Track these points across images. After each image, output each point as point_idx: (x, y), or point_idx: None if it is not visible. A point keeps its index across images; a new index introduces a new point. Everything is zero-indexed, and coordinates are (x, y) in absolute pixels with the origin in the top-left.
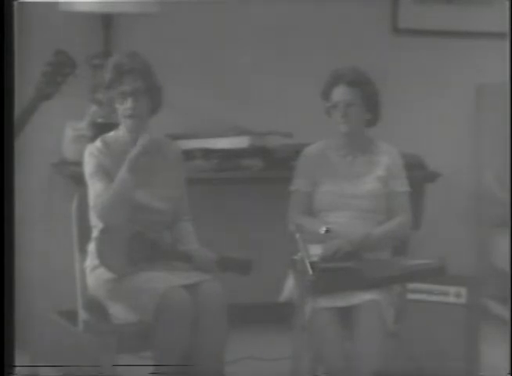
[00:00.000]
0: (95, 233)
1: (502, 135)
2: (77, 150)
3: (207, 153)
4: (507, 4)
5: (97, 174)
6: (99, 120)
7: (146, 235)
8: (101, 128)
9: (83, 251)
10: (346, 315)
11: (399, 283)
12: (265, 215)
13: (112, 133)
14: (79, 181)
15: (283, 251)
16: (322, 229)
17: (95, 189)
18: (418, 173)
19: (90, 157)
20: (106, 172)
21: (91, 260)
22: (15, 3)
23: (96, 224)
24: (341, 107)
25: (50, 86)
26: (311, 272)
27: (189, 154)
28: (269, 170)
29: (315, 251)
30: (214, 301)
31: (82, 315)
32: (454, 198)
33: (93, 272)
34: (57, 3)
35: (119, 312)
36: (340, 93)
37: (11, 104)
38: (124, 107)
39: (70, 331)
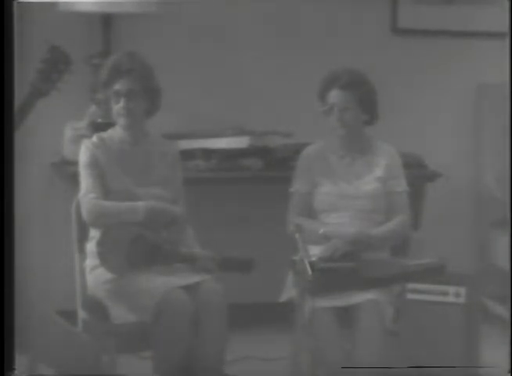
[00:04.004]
0: (92, 233)
1: (502, 135)
2: (77, 150)
3: (207, 153)
4: (507, 4)
5: (90, 166)
6: (99, 120)
7: (147, 237)
8: (100, 128)
9: (82, 251)
10: (346, 315)
11: (399, 283)
12: (264, 215)
13: (109, 131)
14: (79, 181)
15: (282, 251)
16: (320, 231)
17: (86, 183)
18: (418, 173)
19: (85, 149)
20: (99, 166)
21: (90, 260)
22: (15, 3)
23: None
24: (336, 111)
25: (46, 83)
26: (310, 272)
27: (189, 154)
28: (269, 170)
29: (315, 251)
30: (214, 302)
31: (82, 315)
32: (454, 198)
33: (92, 272)
34: (57, 3)
35: (119, 312)
36: (334, 97)
37: (11, 104)
38: (118, 107)
39: (69, 331)
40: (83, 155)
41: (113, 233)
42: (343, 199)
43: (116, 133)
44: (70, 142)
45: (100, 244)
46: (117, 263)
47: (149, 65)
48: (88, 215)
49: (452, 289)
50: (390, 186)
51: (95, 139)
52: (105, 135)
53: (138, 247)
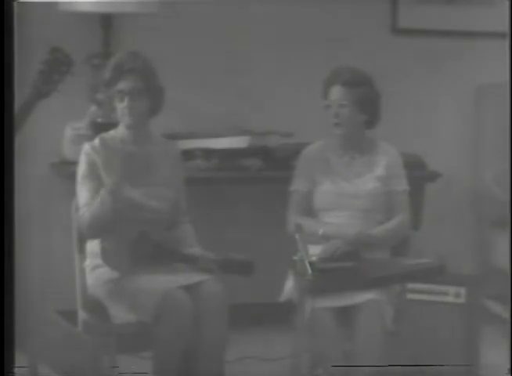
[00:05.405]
0: None
1: (502, 135)
2: (77, 150)
3: (207, 153)
4: (507, 4)
5: (87, 178)
6: (99, 119)
7: (149, 236)
8: (101, 128)
9: (83, 251)
10: (346, 315)
11: (399, 283)
12: (265, 215)
13: (112, 131)
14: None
15: (283, 251)
16: (320, 232)
17: (82, 196)
18: (418, 173)
19: (84, 156)
20: (96, 176)
21: (90, 260)
22: (15, 3)
23: None
24: (334, 107)
25: (47, 84)
26: (310, 272)
27: (189, 154)
28: (269, 170)
29: (315, 251)
30: (215, 301)
31: (82, 315)
32: (454, 198)
33: (93, 272)
34: (57, 3)
35: (119, 312)
36: (334, 93)
37: (11, 104)
38: (121, 106)
39: (69, 331)
40: (81, 164)
41: (115, 232)
42: (343, 198)
43: (118, 133)
44: (70, 142)
45: (103, 242)
46: (120, 262)
47: (151, 64)
48: (84, 230)
49: (452, 289)
50: (390, 185)
51: (96, 141)
52: (107, 136)
53: (141, 245)
